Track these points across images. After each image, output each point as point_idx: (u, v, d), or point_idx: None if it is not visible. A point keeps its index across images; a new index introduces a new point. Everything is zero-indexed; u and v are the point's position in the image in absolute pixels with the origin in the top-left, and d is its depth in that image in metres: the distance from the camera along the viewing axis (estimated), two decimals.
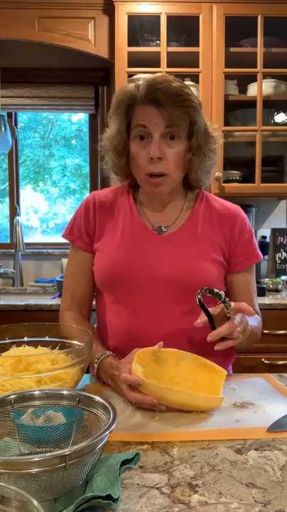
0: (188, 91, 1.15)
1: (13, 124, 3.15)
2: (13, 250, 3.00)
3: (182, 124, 1.14)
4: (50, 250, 3.05)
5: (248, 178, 2.64)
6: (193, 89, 2.50)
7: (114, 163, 1.23)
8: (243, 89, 2.66)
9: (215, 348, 1.02)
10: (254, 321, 1.18)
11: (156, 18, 2.47)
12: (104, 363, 1.12)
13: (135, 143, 1.16)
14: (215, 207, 1.26)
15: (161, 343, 1.07)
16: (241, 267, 1.25)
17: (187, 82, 2.53)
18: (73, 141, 3.67)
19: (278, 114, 2.69)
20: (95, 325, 1.34)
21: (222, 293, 1.04)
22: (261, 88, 2.51)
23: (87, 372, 1.14)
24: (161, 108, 1.11)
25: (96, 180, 3.09)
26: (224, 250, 1.23)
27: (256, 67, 2.50)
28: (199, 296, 1.03)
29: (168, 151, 1.13)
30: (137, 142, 1.16)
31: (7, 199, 3.22)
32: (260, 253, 1.29)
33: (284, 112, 2.68)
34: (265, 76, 2.55)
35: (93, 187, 3.14)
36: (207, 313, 1.04)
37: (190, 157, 1.17)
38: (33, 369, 0.94)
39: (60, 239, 1.37)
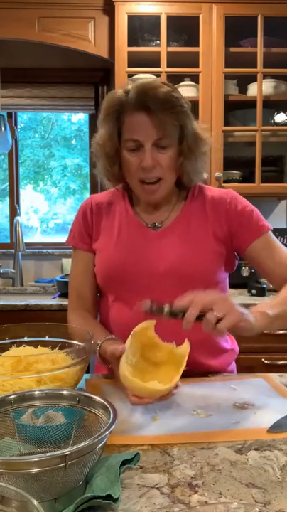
0: (177, 95, 1.15)
1: (13, 124, 3.15)
2: (13, 250, 2.99)
3: (173, 131, 1.14)
4: (50, 250, 3.04)
5: (248, 178, 2.63)
6: (193, 89, 2.52)
7: (106, 170, 1.24)
8: (243, 89, 2.66)
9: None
10: None
11: (156, 18, 2.47)
12: (101, 350, 1.12)
13: (126, 150, 1.17)
14: (208, 195, 1.27)
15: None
16: (251, 240, 1.22)
17: (187, 82, 2.53)
18: (73, 141, 3.67)
19: (278, 114, 2.69)
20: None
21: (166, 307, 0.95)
22: (261, 88, 2.51)
23: (87, 372, 1.14)
24: (151, 115, 1.11)
25: (96, 180, 3.08)
26: (221, 238, 1.23)
27: (256, 67, 2.50)
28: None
29: (161, 157, 1.15)
30: (129, 150, 1.17)
31: (7, 199, 3.22)
32: (267, 223, 1.24)
33: (284, 112, 2.68)
34: (265, 76, 2.55)
35: (93, 187, 3.14)
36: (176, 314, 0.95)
37: (181, 161, 1.19)
38: (33, 369, 0.95)
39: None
